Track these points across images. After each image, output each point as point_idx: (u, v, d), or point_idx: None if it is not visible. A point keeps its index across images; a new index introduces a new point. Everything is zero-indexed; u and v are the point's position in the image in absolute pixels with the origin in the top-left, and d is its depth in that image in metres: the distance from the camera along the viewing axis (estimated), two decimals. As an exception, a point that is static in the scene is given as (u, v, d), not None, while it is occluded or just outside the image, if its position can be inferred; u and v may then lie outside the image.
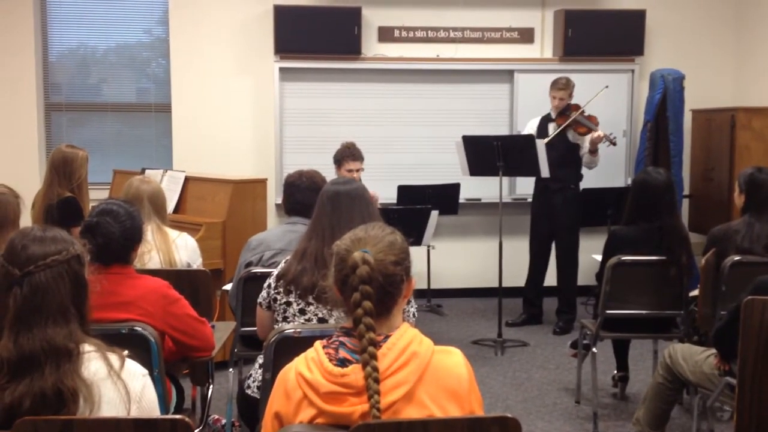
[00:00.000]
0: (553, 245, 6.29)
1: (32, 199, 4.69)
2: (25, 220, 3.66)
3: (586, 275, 6.41)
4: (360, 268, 1.78)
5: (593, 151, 5.93)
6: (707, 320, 3.94)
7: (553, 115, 6.07)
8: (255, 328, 3.05)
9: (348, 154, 5.18)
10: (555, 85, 6.03)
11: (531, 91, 6.83)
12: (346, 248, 1.84)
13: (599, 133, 5.82)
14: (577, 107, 5.97)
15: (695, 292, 4.16)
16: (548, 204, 6.14)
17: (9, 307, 1.79)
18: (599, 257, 4.32)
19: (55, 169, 4.69)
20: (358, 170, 5.15)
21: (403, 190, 6.43)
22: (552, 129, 6.00)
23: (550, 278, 6.41)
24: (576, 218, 6.16)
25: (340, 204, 2.75)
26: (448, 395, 1.79)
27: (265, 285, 2.83)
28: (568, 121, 5.93)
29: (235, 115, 6.93)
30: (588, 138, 5.90)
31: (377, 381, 1.73)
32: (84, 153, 4.81)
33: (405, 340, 1.79)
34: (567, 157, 5.97)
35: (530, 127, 6.21)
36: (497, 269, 5.77)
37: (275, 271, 2.81)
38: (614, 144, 5.94)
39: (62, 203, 4.60)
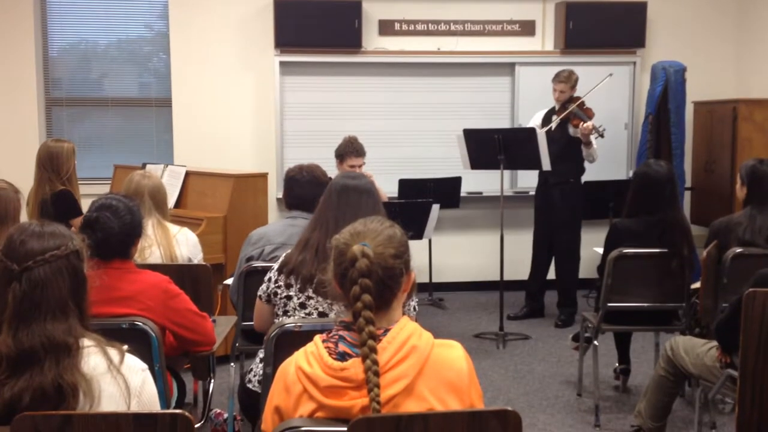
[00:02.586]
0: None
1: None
2: (23, 218, 3.65)
3: (587, 268, 6.40)
4: (359, 262, 1.77)
5: (587, 143, 5.91)
6: (709, 313, 3.94)
7: (557, 108, 6.07)
8: (256, 322, 3.06)
9: (351, 150, 5.16)
10: (556, 77, 6.04)
11: (532, 83, 6.83)
12: (345, 242, 1.83)
13: (588, 123, 5.80)
14: (578, 100, 5.96)
15: (697, 285, 4.15)
16: (547, 198, 6.15)
17: (8, 302, 1.79)
18: (600, 250, 4.32)
19: (42, 166, 4.67)
20: (360, 166, 5.14)
21: (405, 184, 6.43)
22: (553, 121, 5.99)
23: (553, 272, 6.39)
24: (575, 212, 6.12)
25: (348, 198, 2.76)
26: (448, 389, 1.79)
27: (266, 278, 2.83)
28: (565, 113, 5.93)
29: (236, 110, 6.92)
30: (579, 129, 5.89)
31: (377, 374, 1.72)
32: (70, 145, 4.77)
33: (405, 334, 1.79)
34: (567, 151, 5.96)
35: (535, 120, 6.22)
36: (499, 263, 5.77)
37: (276, 264, 2.81)
38: (602, 136, 5.85)
39: (56, 197, 4.58)
